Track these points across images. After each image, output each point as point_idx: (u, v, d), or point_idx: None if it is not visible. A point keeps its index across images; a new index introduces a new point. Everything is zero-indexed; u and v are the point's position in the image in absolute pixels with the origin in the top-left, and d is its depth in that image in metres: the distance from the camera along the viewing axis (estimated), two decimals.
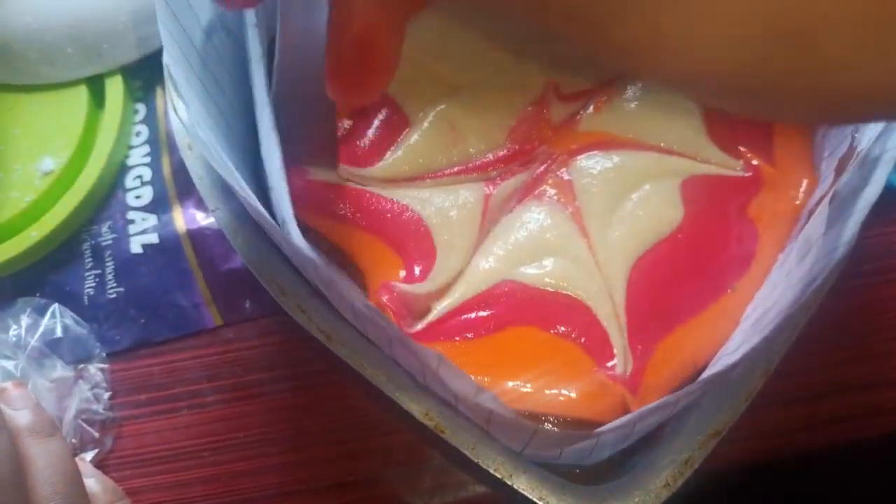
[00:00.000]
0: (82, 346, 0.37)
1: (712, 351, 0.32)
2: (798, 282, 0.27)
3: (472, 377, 0.31)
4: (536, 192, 0.36)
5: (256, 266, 0.30)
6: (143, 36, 0.40)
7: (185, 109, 0.28)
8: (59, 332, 0.36)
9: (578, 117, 0.37)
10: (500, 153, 0.37)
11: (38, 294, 0.38)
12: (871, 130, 0.29)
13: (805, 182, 0.35)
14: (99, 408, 0.36)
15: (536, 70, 0.38)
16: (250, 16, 0.29)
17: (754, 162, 0.36)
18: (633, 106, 0.37)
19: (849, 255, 0.27)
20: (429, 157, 0.36)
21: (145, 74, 0.42)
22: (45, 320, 0.36)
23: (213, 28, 0.32)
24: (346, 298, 0.25)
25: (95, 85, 0.41)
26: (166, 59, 0.28)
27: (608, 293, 0.34)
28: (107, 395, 0.36)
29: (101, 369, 0.36)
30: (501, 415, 0.25)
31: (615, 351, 0.33)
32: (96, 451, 0.35)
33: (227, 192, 0.33)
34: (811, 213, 0.32)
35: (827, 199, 0.28)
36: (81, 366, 0.36)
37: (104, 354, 0.37)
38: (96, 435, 0.35)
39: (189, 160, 0.32)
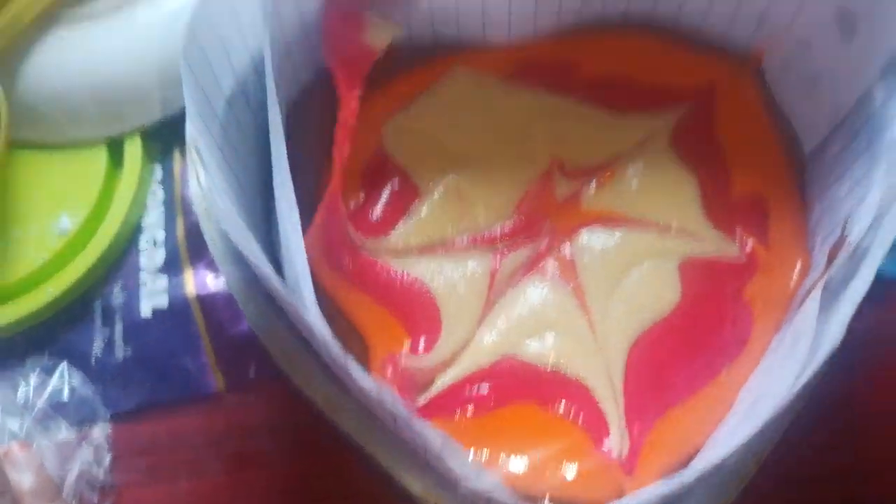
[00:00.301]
0: (88, 407, 0.37)
1: (706, 433, 0.33)
2: (789, 373, 0.27)
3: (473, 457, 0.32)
4: (540, 266, 0.37)
5: (264, 334, 0.31)
6: (166, 99, 0.42)
7: (205, 177, 0.29)
8: (66, 394, 0.37)
9: (582, 194, 0.38)
10: (508, 225, 0.38)
11: (47, 352, 0.39)
12: (862, 221, 0.30)
13: (799, 265, 0.36)
14: (100, 472, 0.36)
15: (542, 146, 0.39)
16: (271, 87, 0.30)
17: (750, 243, 0.37)
18: (634, 184, 0.38)
19: (844, 344, 0.27)
20: (439, 228, 0.38)
21: (164, 136, 0.43)
22: (53, 381, 0.37)
23: (234, 97, 0.34)
24: (352, 376, 0.26)
25: (115, 145, 0.42)
26: (190, 127, 0.29)
27: (607, 372, 0.35)
28: (108, 457, 0.37)
29: (105, 432, 0.37)
30: (500, 499, 0.26)
31: (612, 431, 0.34)
32: None
33: (239, 257, 0.34)
34: (805, 297, 0.33)
35: (818, 290, 0.29)
36: (86, 427, 0.37)
37: (108, 416, 0.38)
38: (96, 500, 0.35)
39: (205, 225, 0.33)
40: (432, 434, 0.25)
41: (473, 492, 0.26)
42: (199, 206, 0.33)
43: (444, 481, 0.29)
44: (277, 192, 0.29)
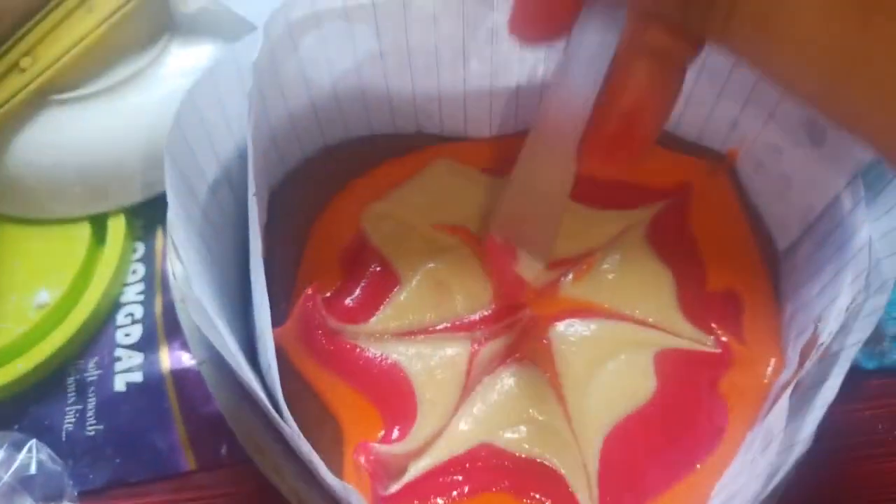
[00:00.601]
0: (55, 483, 0.37)
1: None
2: (761, 473, 0.28)
3: None
4: (517, 354, 0.37)
5: (236, 423, 0.31)
6: (150, 180, 0.42)
7: (181, 269, 0.29)
8: (33, 469, 0.36)
9: (559, 284, 0.39)
10: (485, 313, 0.38)
11: (16, 426, 0.38)
12: (832, 324, 0.30)
13: (773, 361, 0.37)
14: None
15: None
16: (251, 186, 0.31)
17: (724, 339, 0.37)
18: (610, 277, 0.39)
19: (818, 433, 0.27)
20: (418, 314, 0.38)
21: (148, 213, 0.44)
22: (21, 456, 0.36)
23: (218, 184, 0.34)
24: (318, 472, 0.26)
25: (98, 222, 0.43)
26: (170, 215, 0.30)
27: (582, 463, 0.35)
28: None
29: None
30: None
31: None
32: None
33: (213, 346, 0.34)
34: (778, 394, 0.33)
35: (788, 391, 0.29)
36: None
37: (76, 493, 0.37)
38: None
39: (181, 312, 0.33)
40: None
41: None
42: (175, 294, 0.33)
43: None
44: (253, 282, 0.29)
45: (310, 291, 0.36)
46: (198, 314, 0.28)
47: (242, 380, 0.27)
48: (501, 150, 0.41)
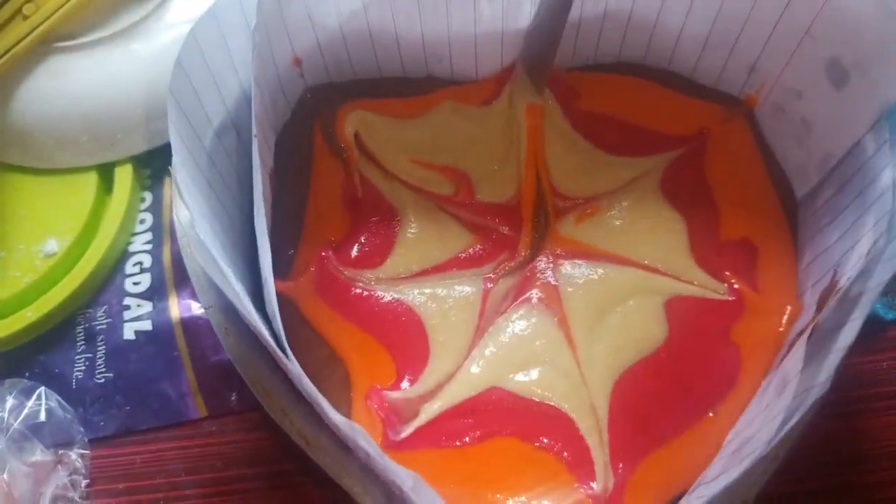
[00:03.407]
0: (65, 430, 0.37)
1: (692, 474, 0.32)
2: (776, 417, 0.27)
3: (452, 490, 0.32)
4: (526, 294, 0.37)
5: (244, 367, 0.30)
6: (156, 129, 0.42)
7: (186, 212, 0.29)
8: (42, 416, 0.36)
9: (561, 220, 0.38)
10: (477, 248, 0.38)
11: (27, 374, 0.39)
12: (852, 269, 0.30)
13: (789, 309, 0.36)
14: (75, 495, 0.35)
15: (530, 163, 0.40)
16: (254, 128, 0.30)
17: (737, 286, 0.37)
18: (618, 223, 0.39)
19: (835, 384, 0.27)
20: (426, 249, 0.38)
21: (155, 163, 0.43)
22: (30, 403, 0.36)
23: (224, 128, 0.34)
24: (325, 411, 0.25)
25: (105, 171, 0.42)
26: (175, 160, 0.30)
27: (591, 407, 0.34)
28: (84, 482, 0.36)
29: (82, 455, 0.36)
30: None
31: (596, 468, 0.33)
32: None
33: (220, 291, 0.34)
34: (793, 341, 0.32)
35: (805, 335, 0.29)
36: (62, 451, 0.36)
37: (86, 440, 0.37)
38: None
39: (188, 258, 0.33)
40: (403, 473, 0.24)
41: None
42: (180, 239, 0.33)
43: None
44: (257, 232, 0.29)
45: (324, 254, 0.36)
46: (203, 257, 0.28)
47: (248, 321, 0.26)
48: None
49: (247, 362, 0.30)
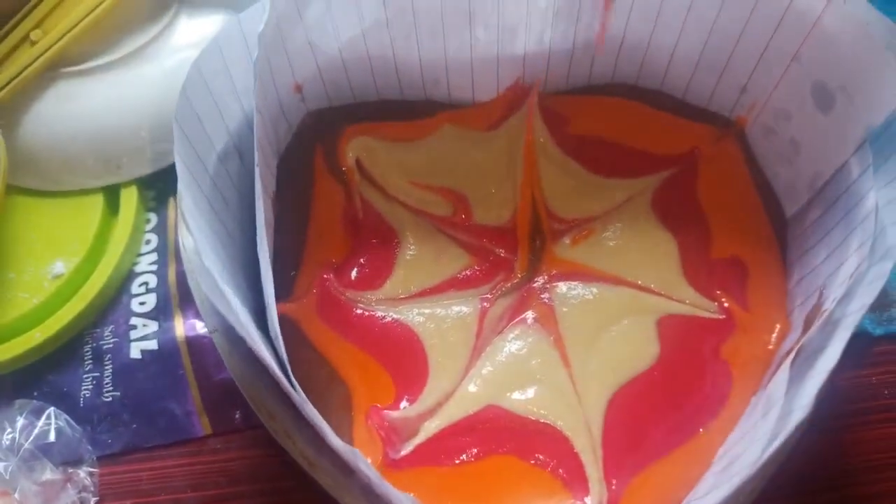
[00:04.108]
0: (73, 449, 0.38)
1: (684, 490, 0.33)
2: (762, 437, 0.28)
3: None
4: (522, 315, 0.38)
5: (248, 390, 0.31)
6: (161, 151, 0.43)
7: (189, 240, 0.29)
8: (52, 436, 0.37)
9: (555, 245, 0.39)
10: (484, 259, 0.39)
11: (35, 393, 0.39)
12: (837, 291, 0.31)
13: (778, 327, 0.37)
14: None
15: (525, 187, 0.41)
16: (257, 157, 0.31)
17: (727, 305, 0.37)
18: (612, 244, 0.40)
19: (825, 399, 0.28)
20: (425, 269, 0.39)
21: (159, 185, 0.44)
22: (40, 423, 0.37)
23: (227, 153, 0.35)
24: (327, 437, 0.26)
25: (111, 193, 0.43)
26: (180, 186, 0.30)
27: (586, 425, 0.35)
28: (94, 500, 0.37)
29: (90, 473, 0.37)
30: None
31: (590, 484, 0.34)
32: None
33: (223, 315, 0.34)
34: (781, 361, 0.33)
35: (790, 358, 0.29)
36: (71, 469, 0.37)
37: (94, 458, 0.38)
38: None
39: (192, 283, 0.33)
40: (400, 497, 0.25)
41: None
42: (186, 265, 0.33)
43: None
44: (260, 256, 0.30)
45: (325, 276, 0.37)
46: (207, 283, 0.28)
47: (252, 347, 0.27)
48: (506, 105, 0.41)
49: (251, 385, 0.31)
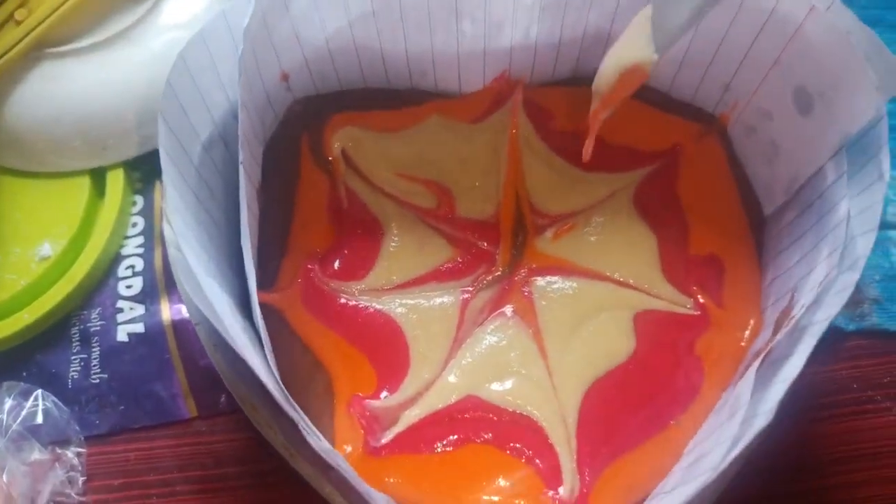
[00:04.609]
0: (61, 429, 0.38)
1: (654, 481, 0.34)
2: (727, 439, 0.29)
3: (429, 493, 0.33)
4: (503, 307, 0.39)
5: (231, 383, 0.32)
6: (147, 134, 0.43)
7: (170, 232, 0.30)
8: (39, 417, 0.38)
9: (537, 239, 0.40)
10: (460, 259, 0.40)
11: (24, 374, 0.40)
12: (807, 296, 0.31)
13: (751, 324, 0.38)
14: (72, 492, 0.37)
15: (509, 181, 0.41)
16: (241, 155, 0.31)
17: (702, 301, 0.38)
18: (593, 239, 0.40)
19: (796, 392, 0.28)
20: (408, 261, 0.39)
21: (146, 168, 0.45)
22: (28, 404, 0.38)
23: (212, 142, 0.35)
24: (308, 437, 0.27)
25: (98, 175, 0.43)
26: (165, 181, 0.31)
27: (562, 416, 0.36)
28: (82, 479, 0.38)
29: (78, 453, 0.38)
30: None
31: (564, 474, 0.35)
32: None
33: None
34: (751, 361, 0.34)
35: (756, 363, 0.30)
36: (59, 450, 0.38)
37: (82, 438, 0.39)
38: None
39: (177, 278, 0.34)
40: (376, 496, 0.26)
41: None
42: (171, 259, 0.34)
43: None
44: (244, 250, 0.30)
45: (310, 266, 0.37)
46: (187, 281, 0.29)
47: (237, 349, 0.28)
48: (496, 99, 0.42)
49: (235, 378, 0.32)
